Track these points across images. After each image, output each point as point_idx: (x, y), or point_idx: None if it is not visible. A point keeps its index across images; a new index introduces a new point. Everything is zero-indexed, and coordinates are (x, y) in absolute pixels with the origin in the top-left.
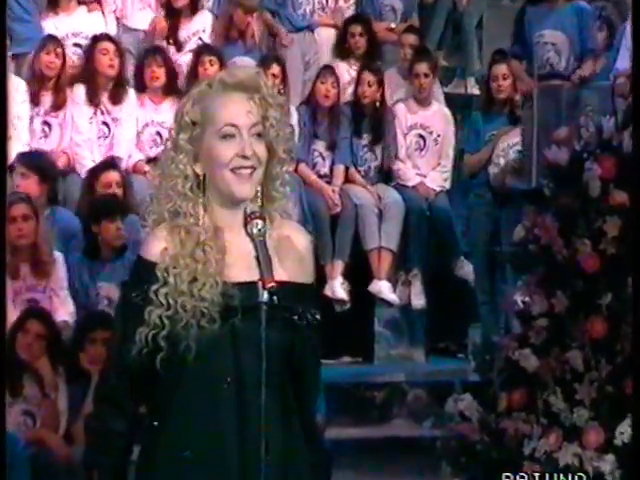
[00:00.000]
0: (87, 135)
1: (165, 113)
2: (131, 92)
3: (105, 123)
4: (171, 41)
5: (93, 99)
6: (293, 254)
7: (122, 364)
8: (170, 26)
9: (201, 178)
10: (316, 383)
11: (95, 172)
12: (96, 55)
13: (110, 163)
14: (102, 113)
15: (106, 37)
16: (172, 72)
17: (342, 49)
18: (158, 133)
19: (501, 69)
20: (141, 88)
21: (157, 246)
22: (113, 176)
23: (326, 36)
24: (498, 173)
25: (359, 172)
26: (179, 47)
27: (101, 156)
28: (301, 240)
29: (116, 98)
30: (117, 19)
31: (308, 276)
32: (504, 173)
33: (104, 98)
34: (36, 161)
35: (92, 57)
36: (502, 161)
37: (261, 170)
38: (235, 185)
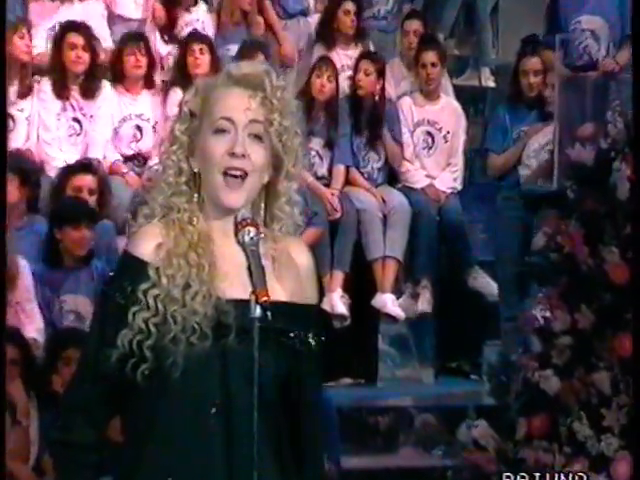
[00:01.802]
0: (56, 133)
1: (143, 105)
2: (106, 85)
3: (76, 119)
4: (165, 32)
5: (61, 93)
6: (293, 272)
7: (99, 369)
8: (167, 16)
9: (197, 175)
10: (317, 418)
11: (67, 174)
12: (64, 48)
13: (85, 165)
14: (73, 108)
15: (75, 28)
16: (153, 63)
17: (328, 33)
18: (138, 127)
19: (533, 63)
20: (118, 78)
21: (150, 242)
22: (86, 180)
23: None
24: (529, 176)
25: (361, 173)
26: (171, 38)
27: (76, 155)
28: (302, 257)
29: (88, 92)
30: (107, 6)
31: (310, 296)
32: (536, 176)
33: (74, 92)
34: (18, 162)
35: (60, 50)
36: (534, 163)
37: (255, 178)
38: (223, 191)
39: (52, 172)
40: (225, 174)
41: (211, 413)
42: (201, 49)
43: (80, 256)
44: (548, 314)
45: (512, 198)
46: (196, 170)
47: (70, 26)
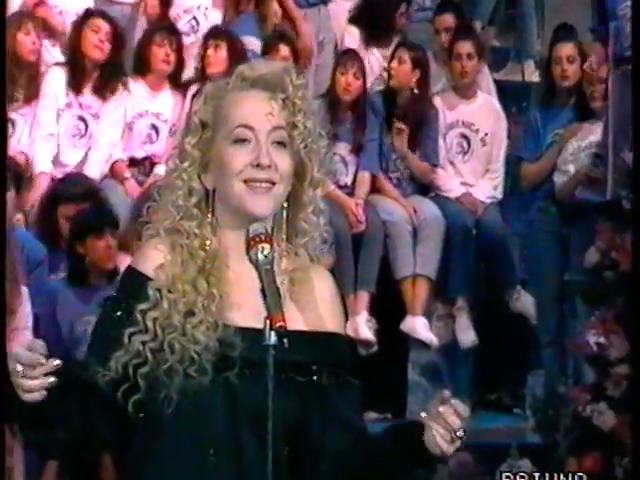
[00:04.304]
0: (48, 130)
1: (163, 104)
2: (120, 88)
3: (82, 118)
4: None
5: (73, 86)
6: (315, 302)
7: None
8: (161, 2)
9: (210, 193)
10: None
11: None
12: (84, 32)
13: (76, 180)
14: (80, 106)
15: (101, 14)
16: (182, 60)
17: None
18: (154, 127)
19: (566, 49)
20: (141, 71)
21: (154, 259)
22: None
23: (343, 9)
24: (567, 183)
25: (389, 180)
26: (162, 28)
27: (78, 160)
28: (326, 285)
29: (101, 90)
30: None
31: (336, 325)
32: (575, 183)
33: (86, 89)
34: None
35: (78, 34)
36: (572, 168)
37: (282, 187)
38: (248, 199)
39: (37, 175)
40: (247, 182)
41: (210, 455)
42: (216, 46)
43: (107, 270)
44: (602, 340)
45: (547, 209)
46: (210, 188)
47: (96, 12)
